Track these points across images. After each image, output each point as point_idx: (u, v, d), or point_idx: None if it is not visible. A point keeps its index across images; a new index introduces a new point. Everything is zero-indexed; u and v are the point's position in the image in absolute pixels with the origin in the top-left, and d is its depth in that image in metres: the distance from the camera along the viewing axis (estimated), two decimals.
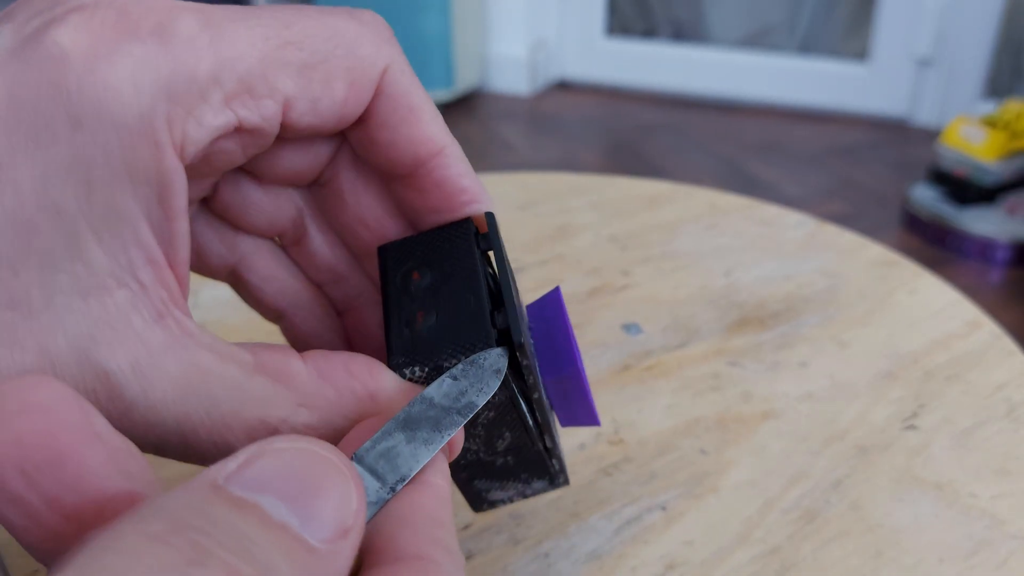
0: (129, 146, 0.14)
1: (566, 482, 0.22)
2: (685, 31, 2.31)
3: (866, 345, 0.34)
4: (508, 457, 0.20)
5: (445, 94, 2.11)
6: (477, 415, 0.18)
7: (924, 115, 2.01)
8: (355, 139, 0.18)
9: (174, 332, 0.15)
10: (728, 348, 0.33)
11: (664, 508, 0.25)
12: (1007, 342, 0.34)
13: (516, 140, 1.98)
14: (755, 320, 0.35)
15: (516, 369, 0.17)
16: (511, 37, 2.23)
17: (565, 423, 0.20)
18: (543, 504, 0.25)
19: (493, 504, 0.22)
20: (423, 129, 0.17)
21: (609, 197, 0.46)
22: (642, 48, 2.28)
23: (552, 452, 0.20)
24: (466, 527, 0.24)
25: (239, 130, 0.16)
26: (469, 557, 0.24)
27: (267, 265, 0.20)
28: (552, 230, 0.43)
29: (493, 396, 0.17)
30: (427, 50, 2.05)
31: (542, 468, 0.21)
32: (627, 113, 2.14)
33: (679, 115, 2.13)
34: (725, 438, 0.28)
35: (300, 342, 0.20)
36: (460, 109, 2.16)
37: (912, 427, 0.29)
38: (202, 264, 0.20)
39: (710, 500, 0.26)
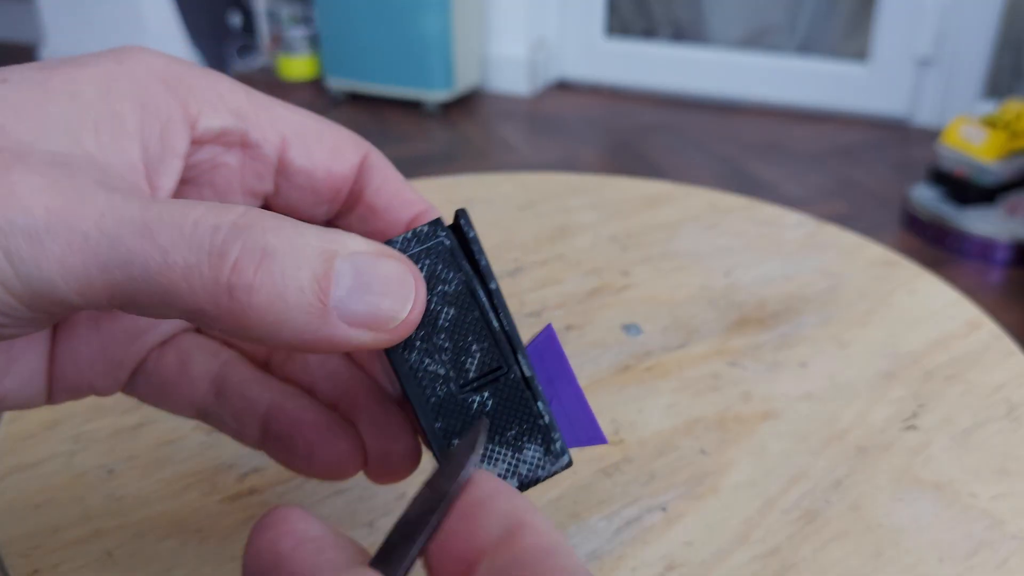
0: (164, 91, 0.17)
1: (567, 458, 0.19)
2: (685, 31, 2.31)
3: (866, 345, 0.34)
4: (484, 395, 0.18)
5: (445, 94, 2.11)
6: (437, 313, 0.18)
7: (924, 115, 2.01)
8: (356, 213, 0.20)
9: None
10: (728, 348, 0.33)
11: (664, 509, 0.25)
12: (1007, 342, 0.34)
13: (516, 140, 1.98)
14: (755, 320, 0.35)
15: (470, 259, 0.18)
16: (511, 37, 2.23)
17: (571, 443, 0.19)
18: (543, 505, 0.25)
19: None
20: (411, 193, 0.20)
21: (609, 197, 0.46)
22: (642, 48, 2.28)
23: (538, 392, 0.18)
24: None
25: (244, 144, 0.18)
26: None
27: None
28: (552, 230, 0.43)
29: (449, 283, 0.18)
30: (427, 50, 2.05)
31: (528, 417, 0.18)
32: (627, 113, 2.14)
33: (679, 115, 2.13)
34: (725, 438, 0.28)
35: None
36: (460, 109, 2.16)
37: (912, 427, 0.29)
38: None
39: (710, 500, 0.26)
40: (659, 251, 0.41)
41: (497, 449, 0.18)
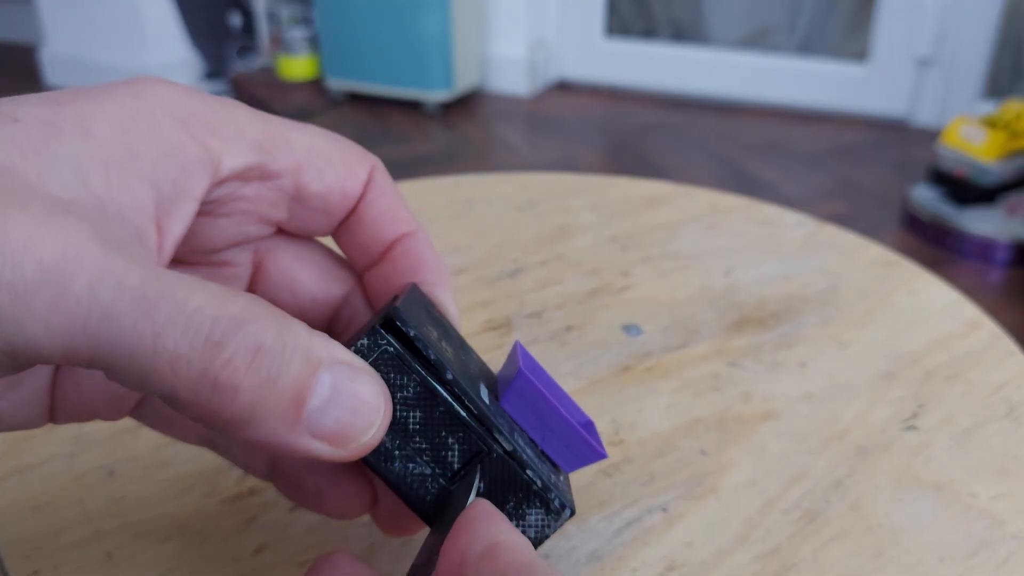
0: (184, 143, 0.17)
1: (568, 511, 0.19)
2: (685, 31, 2.31)
3: (866, 345, 0.34)
4: (480, 485, 0.18)
5: (445, 94, 2.11)
6: (405, 419, 0.18)
7: (924, 115, 2.01)
8: (345, 225, 0.21)
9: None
10: (728, 348, 0.33)
11: (664, 509, 0.25)
12: (1007, 342, 0.34)
13: (516, 140, 1.98)
14: (755, 320, 0.35)
15: (421, 360, 0.18)
16: (511, 37, 2.23)
17: (573, 468, 0.20)
18: None
19: None
20: (403, 212, 0.20)
21: (609, 197, 0.46)
22: (642, 48, 2.28)
23: (523, 462, 0.18)
24: None
25: (263, 177, 0.18)
26: None
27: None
28: (552, 230, 0.43)
29: (407, 388, 0.18)
30: (427, 51, 2.05)
31: (521, 486, 0.18)
32: (627, 113, 2.14)
33: (679, 115, 2.13)
34: (725, 438, 0.28)
35: None
36: (460, 109, 2.16)
37: (912, 427, 0.29)
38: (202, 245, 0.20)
39: (710, 500, 0.26)
40: (659, 251, 0.41)
41: None
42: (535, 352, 0.33)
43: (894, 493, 0.26)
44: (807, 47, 2.17)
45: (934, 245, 1.49)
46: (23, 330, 0.13)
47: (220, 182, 0.18)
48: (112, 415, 0.20)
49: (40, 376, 0.18)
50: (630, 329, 0.35)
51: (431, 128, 2.05)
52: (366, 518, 0.25)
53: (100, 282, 0.13)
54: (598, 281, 0.38)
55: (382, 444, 0.18)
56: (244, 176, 0.18)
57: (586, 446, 0.19)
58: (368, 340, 0.17)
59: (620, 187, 0.48)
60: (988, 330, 0.35)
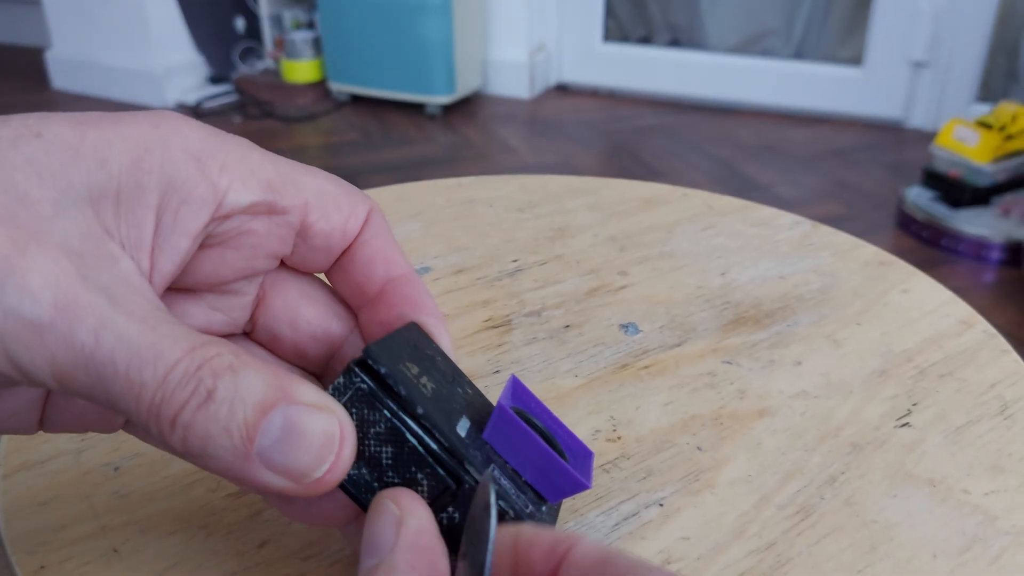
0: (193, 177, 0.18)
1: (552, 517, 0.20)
2: (682, 37, 2.31)
3: (860, 344, 0.34)
4: (449, 510, 0.19)
5: (446, 98, 2.12)
6: (378, 454, 0.19)
7: (919, 117, 2.02)
8: (339, 264, 0.21)
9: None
10: (724, 347, 0.34)
11: (661, 504, 0.26)
12: (1000, 341, 0.34)
13: (516, 143, 1.98)
14: (750, 319, 0.36)
15: (394, 398, 0.18)
16: (511, 42, 2.24)
17: (557, 498, 0.20)
18: None
19: None
20: (397, 255, 0.22)
21: (607, 199, 0.47)
22: (639, 53, 2.29)
23: (501, 491, 0.19)
24: None
25: (271, 212, 0.19)
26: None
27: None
28: (551, 231, 0.43)
29: (378, 424, 0.18)
30: (429, 55, 2.05)
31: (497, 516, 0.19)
32: (625, 117, 2.15)
33: (676, 118, 2.13)
34: (721, 435, 0.29)
35: None
36: (461, 112, 2.17)
37: (906, 424, 0.29)
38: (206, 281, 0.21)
39: (706, 496, 0.26)
40: (656, 252, 0.41)
41: (479, 547, 0.19)
42: (535, 350, 0.33)
43: (888, 489, 0.26)
44: (803, 52, 2.18)
45: (928, 245, 1.50)
46: (33, 361, 0.15)
47: (226, 216, 0.19)
48: (104, 430, 0.20)
49: (33, 389, 0.19)
50: (628, 328, 0.35)
51: (432, 130, 2.06)
52: None
53: (104, 330, 0.15)
54: (596, 281, 0.39)
55: (362, 476, 0.19)
56: (251, 211, 0.19)
57: (567, 477, 0.20)
58: (344, 378, 0.18)
59: (618, 188, 0.48)
60: (981, 329, 0.35)
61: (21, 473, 0.26)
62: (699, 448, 0.28)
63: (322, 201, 0.20)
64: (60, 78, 2.34)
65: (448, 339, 0.21)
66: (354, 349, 0.22)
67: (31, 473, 0.26)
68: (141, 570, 0.23)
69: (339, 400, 0.18)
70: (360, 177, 1.75)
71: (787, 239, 0.43)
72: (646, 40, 2.34)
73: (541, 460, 0.20)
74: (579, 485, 0.20)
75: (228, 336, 0.22)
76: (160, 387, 0.16)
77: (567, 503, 0.26)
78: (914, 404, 0.30)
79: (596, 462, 0.27)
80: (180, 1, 2.20)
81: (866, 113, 2.08)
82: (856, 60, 2.07)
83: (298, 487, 0.17)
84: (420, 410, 0.18)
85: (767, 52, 2.20)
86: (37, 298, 0.15)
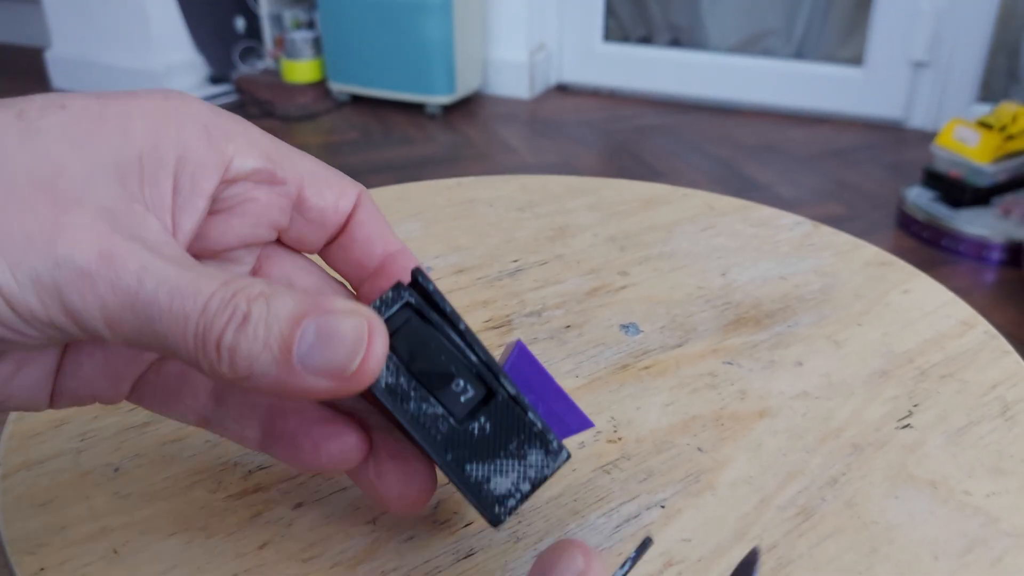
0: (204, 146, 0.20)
1: (566, 453, 0.21)
2: (682, 37, 2.31)
3: (861, 344, 0.34)
4: (481, 419, 0.20)
5: (447, 98, 2.12)
6: (423, 363, 0.20)
7: (919, 118, 2.02)
8: (339, 242, 0.23)
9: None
10: (724, 347, 0.34)
11: (662, 506, 0.26)
12: (1001, 342, 0.34)
13: (516, 143, 1.98)
14: (751, 320, 0.36)
15: (435, 309, 0.20)
16: (511, 42, 2.24)
17: (564, 435, 0.22)
18: (543, 502, 0.26)
19: (505, 504, 0.21)
20: (390, 232, 0.23)
21: (607, 199, 0.47)
22: (640, 53, 2.28)
23: (525, 405, 0.21)
24: (467, 524, 0.25)
25: (271, 181, 0.21)
26: (470, 554, 0.24)
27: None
28: (551, 231, 0.43)
29: (422, 334, 0.20)
30: (429, 55, 2.05)
31: (523, 428, 0.21)
32: (625, 116, 2.15)
33: (676, 118, 2.13)
34: (722, 436, 0.29)
35: None
36: (461, 112, 2.17)
37: (907, 425, 0.29)
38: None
39: (707, 497, 0.26)
40: (657, 252, 0.41)
41: (505, 461, 0.21)
42: (535, 351, 0.33)
43: (889, 490, 0.26)
44: (803, 53, 2.18)
45: (929, 246, 1.50)
46: (85, 305, 0.17)
47: (232, 181, 0.20)
48: (111, 398, 0.21)
49: (47, 360, 0.20)
50: (628, 328, 0.35)
51: (433, 130, 2.05)
52: (370, 516, 0.25)
53: (146, 273, 0.17)
54: (597, 281, 0.38)
55: (399, 386, 0.20)
56: (254, 177, 0.21)
57: (575, 413, 0.22)
58: (392, 292, 0.20)
59: (618, 188, 0.48)
60: (982, 330, 0.35)
61: (21, 473, 0.26)
62: (700, 449, 0.28)
63: (315, 180, 0.22)
64: (60, 78, 2.34)
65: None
66: None
67: (31, 473, 0.26)
68: (141, 571, 0.23)
69: (386, 311, 0.20)
70: (360, 177, 1.74)
71: (787, 239, 0.43)
72: (646, 40, 2.34)
73: (552, 397, 0.22)
74: (586, 423, 0.22)
75: None
76: (201, 316, 0.17)
77: (568, 504, 0.26)
78: (915, 405, 0.30)
79: (596, 463, 0.27)
80: (180, 1, 2.20)
81: (866, 113, 2.08)
82: (856, 60, 2.07)
83: (340, 384, 0.18)
84: (462, 325, 0.20)
85: (767, 52, 2.20)
86: (84, 249, 0.17)
